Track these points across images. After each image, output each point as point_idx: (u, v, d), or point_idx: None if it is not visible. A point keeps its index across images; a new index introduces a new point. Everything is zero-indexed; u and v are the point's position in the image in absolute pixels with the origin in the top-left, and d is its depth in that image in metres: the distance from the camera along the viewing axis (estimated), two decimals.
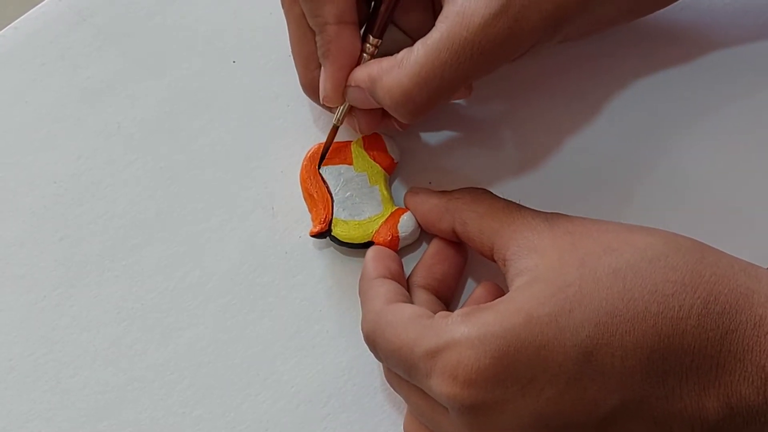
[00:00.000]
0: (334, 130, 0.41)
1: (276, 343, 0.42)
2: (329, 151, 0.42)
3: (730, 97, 0.44)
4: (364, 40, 0.39)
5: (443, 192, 0.40)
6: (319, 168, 0.42)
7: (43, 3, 0.46)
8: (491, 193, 0.39)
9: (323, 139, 0.43)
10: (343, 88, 0.39)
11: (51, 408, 0.41)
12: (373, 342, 0.36)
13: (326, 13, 0.38)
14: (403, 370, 0.35)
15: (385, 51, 0.39)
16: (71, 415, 0.41)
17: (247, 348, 0.42)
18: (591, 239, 0.34)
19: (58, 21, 0.45)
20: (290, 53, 0.44)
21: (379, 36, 0.39)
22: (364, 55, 0.39)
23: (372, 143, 0.42)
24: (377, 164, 0.42)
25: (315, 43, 0.39)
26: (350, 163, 0.42)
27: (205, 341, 0.42)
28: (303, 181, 0.42)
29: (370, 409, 0.41)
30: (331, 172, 0.42)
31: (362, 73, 0.38)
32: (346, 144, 0.42)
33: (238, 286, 0.42)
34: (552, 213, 0.37)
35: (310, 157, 0.42)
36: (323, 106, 0.41)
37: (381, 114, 0.41)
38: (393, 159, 0.42)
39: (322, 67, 0.39)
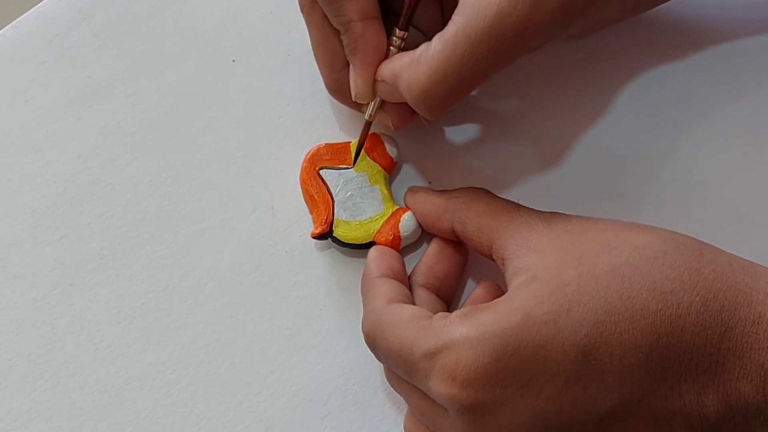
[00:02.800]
0: (367, 126, 0.41)
1: (276, 342, 0.42)
2: (328, 152, 0.42)
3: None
4: (390, 33, 0.39)
5: (442, 191, 0.40)
6: (354, 164, 0.42)
7: (42, 2, 0.45)
8: (490, 192, 0.39)
9: (323, 139, 0.43)
10: (373, 83, 0.39)
11: (51, 407, 0.41)
12: (373, 342, 0.36)
13: (349, 10, 0.37)
14: (402, 370, 0.35)
15: (407, 45, 0.39)
16: (71, 414, 0.41)
17: (247, 347, 0.42)
18: (589, 238, 0.34)
19: (57, 20, 0.45)
20: (290, 53, 0.44)
21: (405, 28, 0.39)
22: (392, 48, 0.39)
23: (370, 143, 0.42)
24: (377, 164, 0.42)
25: (339, 43, 0.39)
26: (350, 164, 0.42)
27: (205, 341, 0.42)
28: (303, 183, 0.42)
29: (370, 408, 0.41)
30: (331, 173, 0.42)
31: (387, 69, 0.38)
32: (345, 145, 0.42)
33: (238, 285, 0.42)
34: (550, 212, 0.37)
35: (309, 158, 0.42)
36: (352, 105, 0.41)
37: (410, 107, 0.41)
38: (392, 158, 0.42)
39: (351, 65, 0.39)
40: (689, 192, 0.43)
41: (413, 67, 0.36)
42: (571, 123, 0.44)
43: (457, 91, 0.36)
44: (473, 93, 0.43)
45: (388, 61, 0.39)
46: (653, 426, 0.32)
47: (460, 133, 0.44)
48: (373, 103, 0.40)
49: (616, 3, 0.38)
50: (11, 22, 0.45)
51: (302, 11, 0.40)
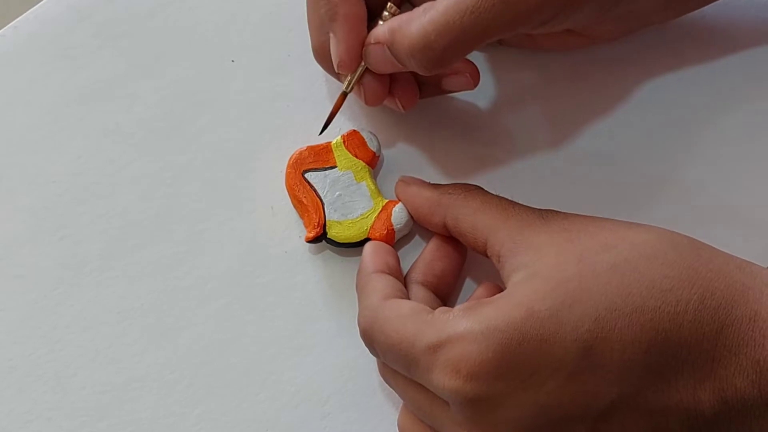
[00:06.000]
0: (342, 97, 0.41)
1: (276, 343, 0.42)
2: (311, 155, 0.42)
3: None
4: (383, 9, 0.39)
5: (435, 185, 0.40)
6: (321, 132, 0.41)
7: (42, 2, 0.46)
8: (483, 189, 0.39)
9: (323, 139, 0.43)
10: (355, 51, 0.39)
11: (51, 408, 0.41)
12: (370, 337, 0.36)
13: None
14: (402, 365, 0.35)
15: None
16: (71, 414, 0.41)
17: (247, 348, 0.41)
18: (588, 236, 0.34)
19: (57, 20, 0.45)
20: (290, 53, 0.44)
21: (398, 5, 0.39)
22: (381, 22, 0.39)
23: (351, 140, 0.42)
24: (360, 160, 0.42)
25: None
26: (333, 164, 0.42)
27: (205, 341, 0.42)
28: (290, 189, 0.42)
29: (370, 408, 0.41)
30: (317, 176, 0.42)
31: (383, 29, 0.38)
32: (326, 146, 0.42)
33: (237, 285, 0.42)
34: (546, 210, 0.37)
35: (292, 163, 0.42)
36: (332, 73, 0.41)
37: (388, 85, 0.40)
38: (374, 153, 0.42)
39: (332, 33, 0.39)
40: (693, 195, 0.43)
41: (416, 18, 0.36)
42: (568, 122, 0.44)
43: (457, 46, 0.36)
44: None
45: (381, 24, 0.38)
46: (650, 419, 0.32)
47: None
48: (352, 75, 0.40)
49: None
50: (11, 22, 0.45)
51: None
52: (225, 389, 0.41)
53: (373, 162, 0.42)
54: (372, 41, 0.38)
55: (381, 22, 0.39)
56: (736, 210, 0.42)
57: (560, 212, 0.37)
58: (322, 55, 0.40)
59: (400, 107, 0.41)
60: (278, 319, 0.42)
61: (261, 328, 0.42)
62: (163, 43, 0.45)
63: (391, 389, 0.39)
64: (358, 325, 0.37)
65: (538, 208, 0.37)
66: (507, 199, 0.38)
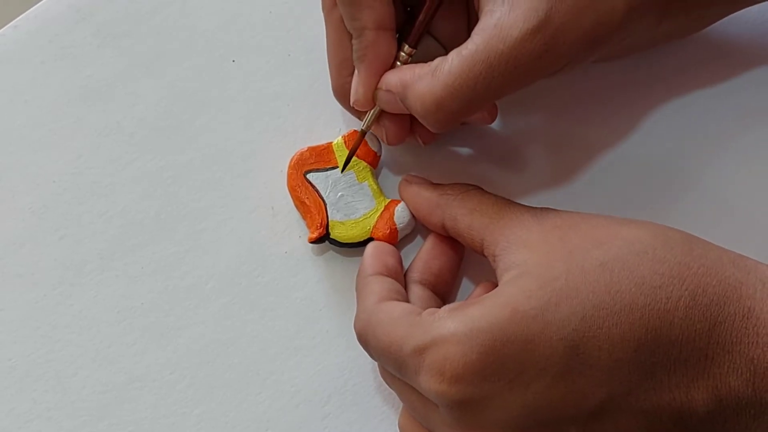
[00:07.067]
0: (361, 135, 0.41)
1: (276, 342, 0.42)
2: (312, 155, 0.42)
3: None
4: (398, 47, 0.39)
5: (435, 185, 0.40)
6: (343, 170, 0.42)
7: (43, 1, 0.45)
8: (481, 188, 0.39)
9: (324, 139, 0.43)
10: (373, 92, 0.39)
11: (51, 407, 0.41)
12: (365, 340, 0.36)
13: (365, 17, 0.37)
14: (393, 367, 0.35)
15: (417, 58, 0.38)
16: (71, 414, 0.41)
17: (247, 348, 0.42)
18: (579, 233, 0.34)
19: (58, 20, 0.45)
20: (290, 53, 0.44)
21: (414, 46, 0.39)
22: (397, 62, 0.39)
23: (352, 141, 0.42)
24: (361, 160, 0.42)
25: (351, 48, 0.39)
26: (335, 164, 0.42)
27: (205, 341, 0.42)
28: (292, 190, 0.42)
29: (370, 408, 0.41)
30: (319, 176, 0.42)
31: (394, 78, 0.38)
32: (327, 146, 0.42)
33: (238, 285, 0.42)
34: (541, 208, 0.37)
35: (294, 164, 0.42)
36: (352, 111, 0.41)
37: (408, 124, 0.41)
38: (375, 153, 0.42)
39: (356, 71, 0.39)
40: (694, 194, 0.43)
41: (427, 78, 0.36)
42: (560, 119, 0.44)
43: (468, 107, 0.36)
44: None
45: (395, 70, 0.38)
46: (643, 420, 0.32)
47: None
48: (371, 113, 0.40)
49: (641, 33, 0.38)
50: (11, 21, 0.45)
51: (323, 10, 0.40)
52: (225, 389, 0.41)
53: (374, 162, 0.42)
54: (384, 88, 0.38)
55: (398, 63, 0.39)
56: (738, 208, 0.42)
57: (554, 210, 0.37)
58: (342, 95, 0.40)
59: (421, 143, 0.41)
60: (279, 319, 0.42)
61: (261, 328, 0.42)
62: (164, 43, 0.45)
63: (391, 389, 0.39)
64: (354, 329, 0.37)
65: (533, 206, 0.37)
66: (503, 199, 0.38)
